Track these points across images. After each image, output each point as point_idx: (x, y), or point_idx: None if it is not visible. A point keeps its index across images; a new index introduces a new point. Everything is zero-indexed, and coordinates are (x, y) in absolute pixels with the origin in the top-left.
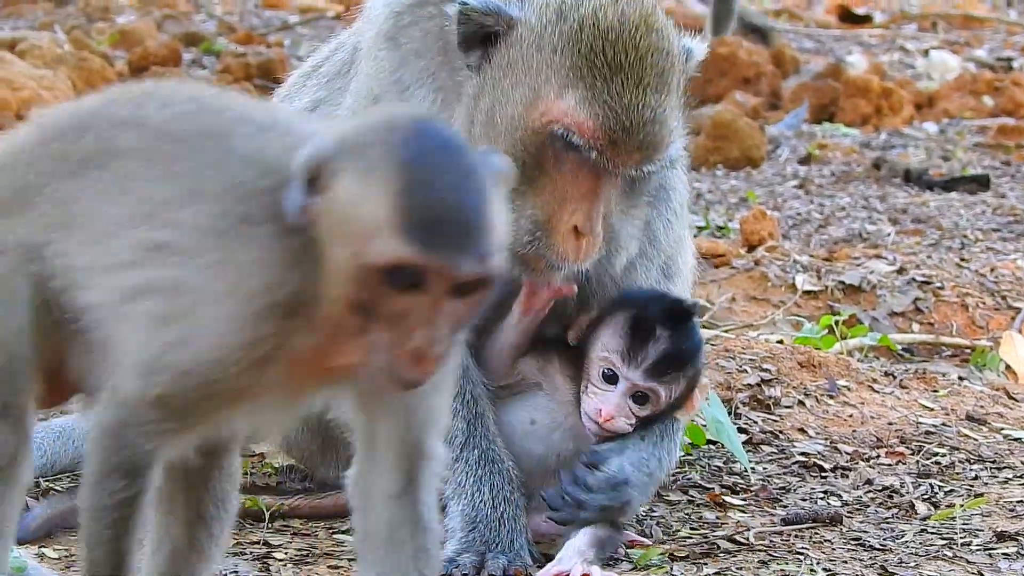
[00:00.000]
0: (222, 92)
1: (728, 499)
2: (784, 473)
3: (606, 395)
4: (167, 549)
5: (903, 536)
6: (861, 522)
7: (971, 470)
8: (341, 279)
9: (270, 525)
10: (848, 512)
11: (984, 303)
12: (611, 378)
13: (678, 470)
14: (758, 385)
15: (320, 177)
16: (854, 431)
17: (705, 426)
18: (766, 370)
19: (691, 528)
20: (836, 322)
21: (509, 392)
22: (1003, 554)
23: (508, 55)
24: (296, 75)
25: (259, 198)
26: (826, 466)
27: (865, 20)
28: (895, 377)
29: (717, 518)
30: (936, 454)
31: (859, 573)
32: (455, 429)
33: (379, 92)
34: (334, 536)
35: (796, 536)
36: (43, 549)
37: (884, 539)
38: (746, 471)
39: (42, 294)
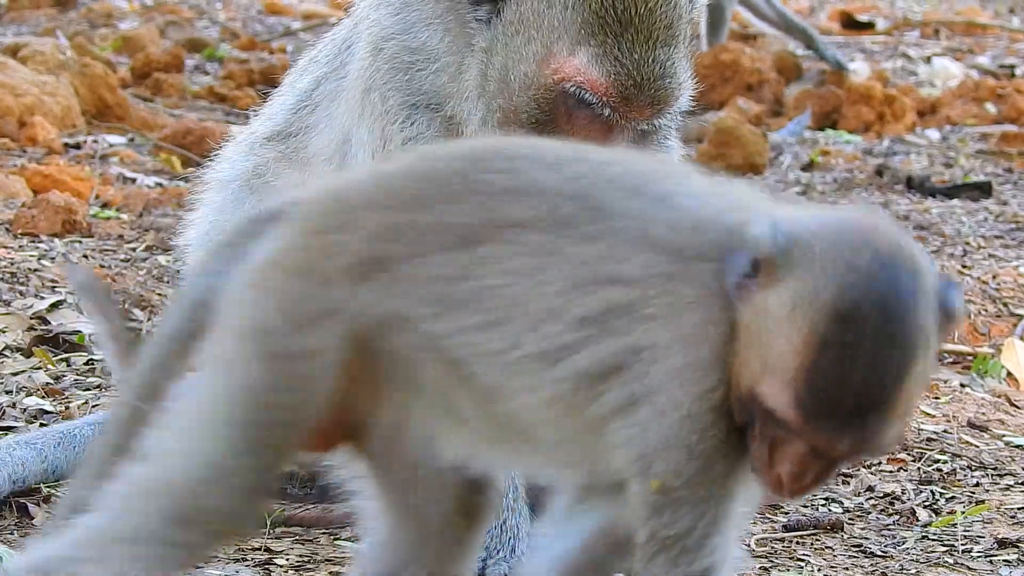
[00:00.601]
0: (579, 144)
1: None
2: None
3: None
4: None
5: (904, 543)
6: (862, 529)
7: (972, 477)
8: (745, 383)
9: (271, 531)
10: (849, 519)
11: (986, 310)
12: None
13: None
14: None
15: (766, 266)
16: None
17: None
18: None
19: None
20: None
21: None
22: (1004, 561)
23: (519, 11)
24: (296, 69)
25: (703, 248)
26: None
27: (867, 27)
28: None
29: None
30: (937, 461)
31: None
32: None
33: (380, 38)
34: (335, 543)
35: (797, 543)
36: None
37: (885, 546)
38: None
39: (361, 356)
